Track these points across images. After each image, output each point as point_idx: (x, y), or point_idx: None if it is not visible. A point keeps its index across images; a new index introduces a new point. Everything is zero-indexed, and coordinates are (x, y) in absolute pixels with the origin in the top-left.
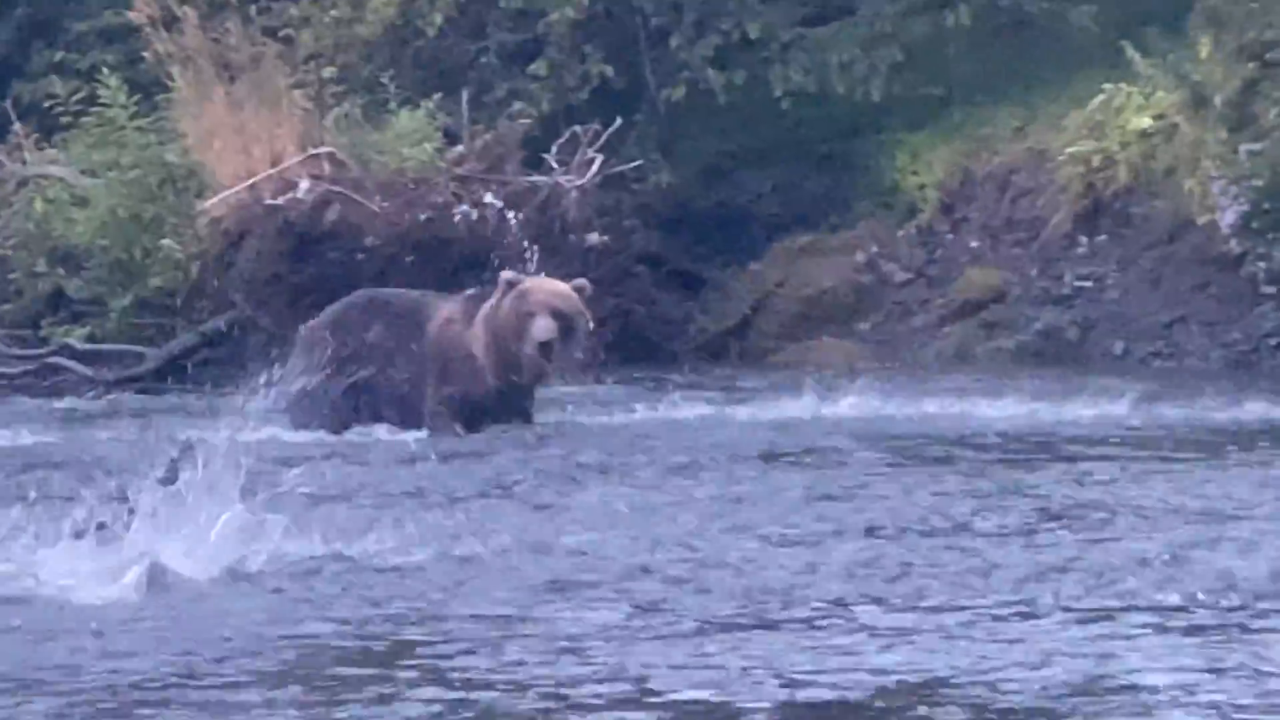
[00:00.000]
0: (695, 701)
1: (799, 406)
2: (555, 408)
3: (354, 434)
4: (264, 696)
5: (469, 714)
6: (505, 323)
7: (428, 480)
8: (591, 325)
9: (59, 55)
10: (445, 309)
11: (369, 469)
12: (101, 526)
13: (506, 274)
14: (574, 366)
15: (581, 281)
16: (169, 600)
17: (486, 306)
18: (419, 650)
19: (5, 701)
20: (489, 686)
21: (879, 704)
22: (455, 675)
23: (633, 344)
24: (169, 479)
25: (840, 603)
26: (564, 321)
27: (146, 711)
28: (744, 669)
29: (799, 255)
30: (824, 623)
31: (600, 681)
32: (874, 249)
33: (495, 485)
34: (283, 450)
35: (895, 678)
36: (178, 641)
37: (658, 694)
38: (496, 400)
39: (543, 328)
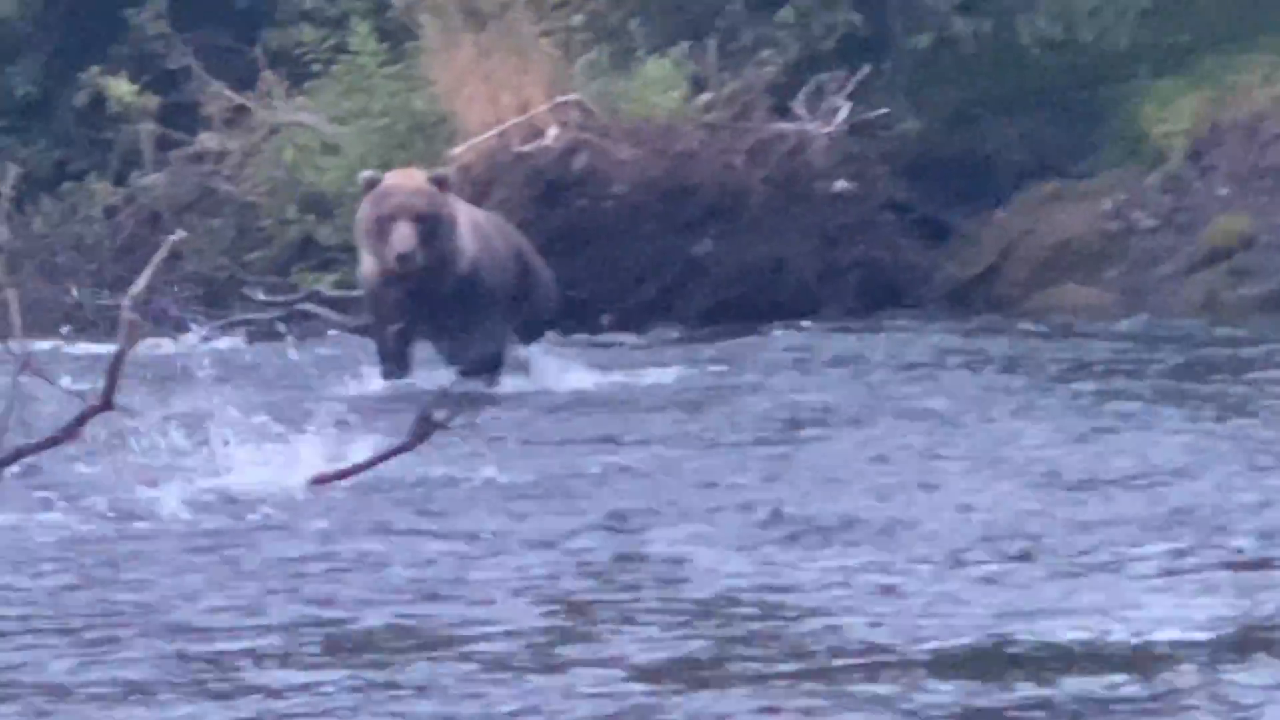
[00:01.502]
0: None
1: None
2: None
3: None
4: None
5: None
6: (368, 231)
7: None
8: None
9: (308, 3)
10: None
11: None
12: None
13: (365, 173)
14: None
15: (443, 171)
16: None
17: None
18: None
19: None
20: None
21: None
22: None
23: (878, 292)
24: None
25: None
26: (427, 224)
27: None
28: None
29: (1046, 203)
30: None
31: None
32: (1121, 197)
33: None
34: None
35: None
36: None
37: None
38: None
39: (401, 237)
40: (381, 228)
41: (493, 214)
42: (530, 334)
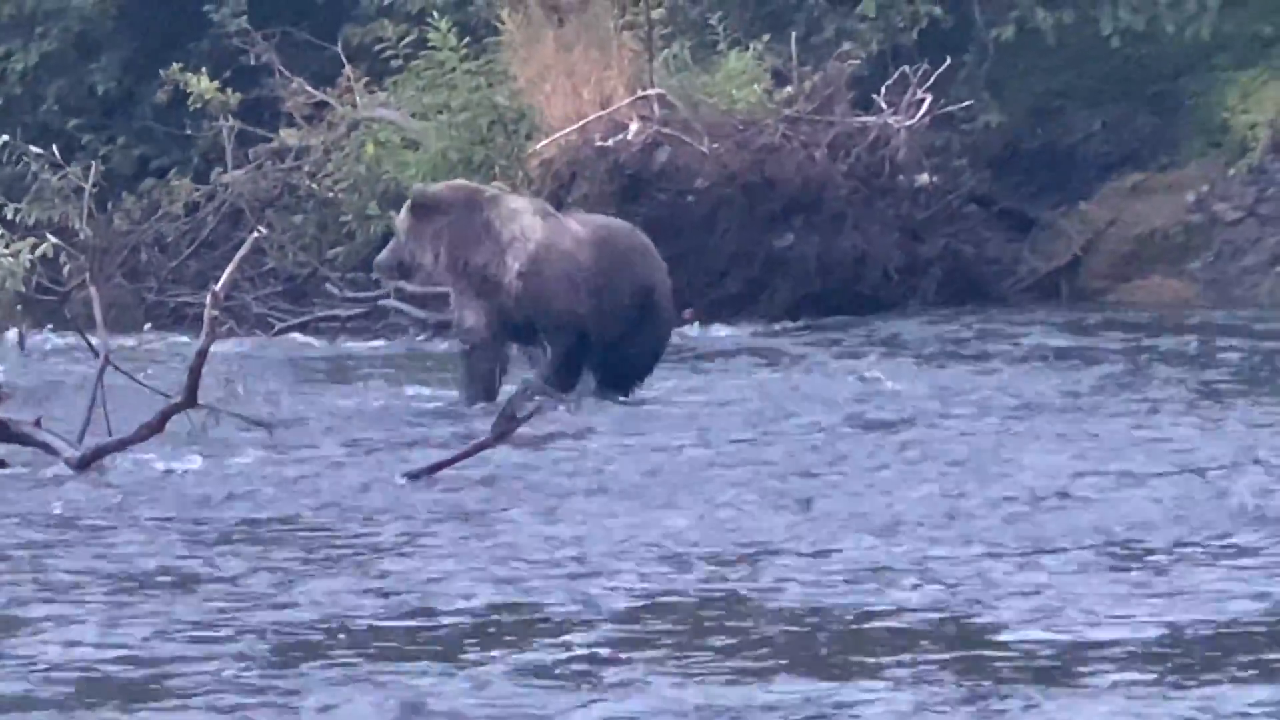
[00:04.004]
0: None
1: None
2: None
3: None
4: None
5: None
6: None
7: None
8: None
9: None
10: None
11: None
12: None
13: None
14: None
15: (432, 189)
16: None
17: None
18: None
19: None
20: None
21: None
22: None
23: (961, 285)
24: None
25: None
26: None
27: None
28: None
29: (1129, 194)
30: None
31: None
32: (1204, 188)
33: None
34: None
35: None
36: None
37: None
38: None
39: (387, 248)
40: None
41: (626, 233)
42: (621, 377)
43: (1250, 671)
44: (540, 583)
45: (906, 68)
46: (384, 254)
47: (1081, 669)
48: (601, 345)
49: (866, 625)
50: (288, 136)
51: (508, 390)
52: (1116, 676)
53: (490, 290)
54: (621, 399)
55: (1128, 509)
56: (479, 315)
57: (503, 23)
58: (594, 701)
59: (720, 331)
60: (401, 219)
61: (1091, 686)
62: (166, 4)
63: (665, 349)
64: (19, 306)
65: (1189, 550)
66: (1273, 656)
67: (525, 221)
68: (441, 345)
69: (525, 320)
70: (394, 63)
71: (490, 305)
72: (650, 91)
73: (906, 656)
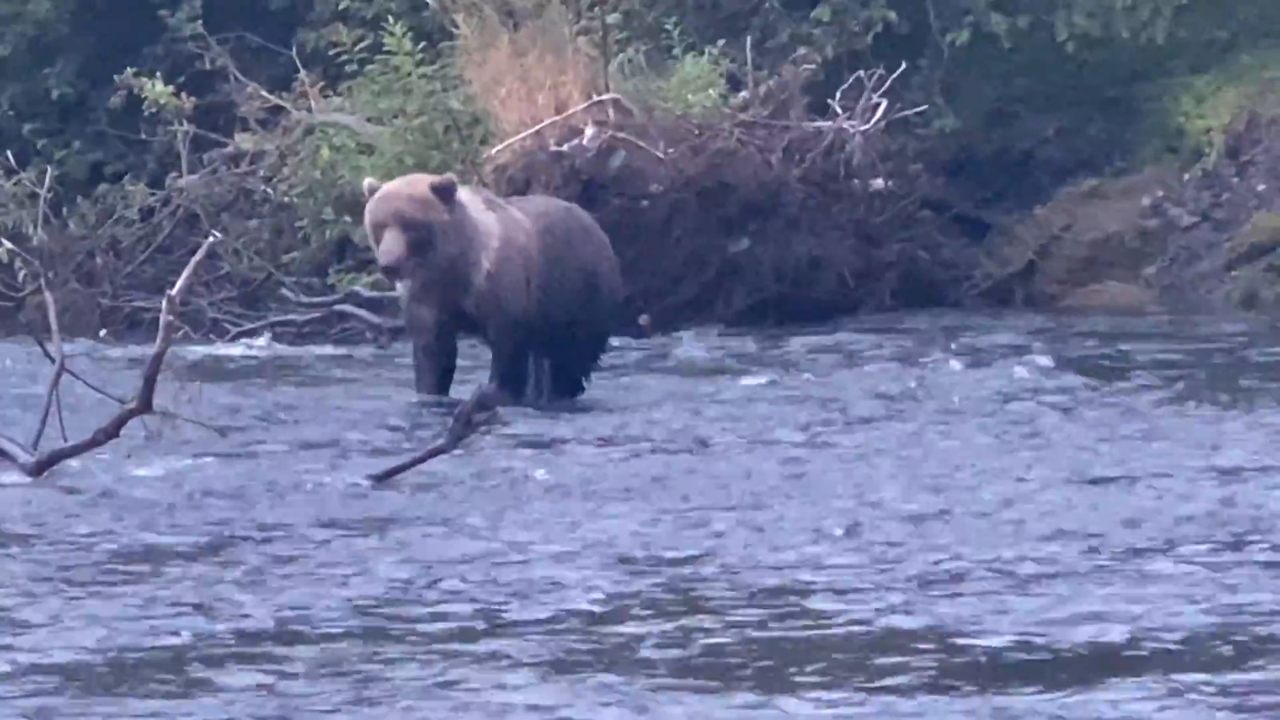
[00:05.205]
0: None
1: None
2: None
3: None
4: None
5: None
6: (370, 239)
7: None
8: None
9: (344, 3)
10: None
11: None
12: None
13: (368, 180)
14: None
15: (448, 177)
16: None
17: None
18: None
19: None
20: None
21: None
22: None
23: (916, 290)
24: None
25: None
26: (415, 232)
27: None
28: None
29: (1084, 200)
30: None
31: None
32: (1159, 193)
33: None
34: None
35: None
36: None
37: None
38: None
39: (386, 246)
40: (375, 236)
41: (572, 218)
42: (572, 366)
43: (1216, 673)
44: (496, 586)
45: (862, 73)
46: (396, 246)
47: (1052, 672)
48: (548, 335)
49: (822, 632)
50: (243, 141)
51: (463, 388)
52: (1085, 679)
53: (457, 289)
54: (571, 398)
55: (1086, 513)
56: (433, 312)
57: (458, 27)
58: (552, 706)
59: (677, 336)
60: (416, 208)
61: (1063, 689)
62: (121, 9)
63: (613, 329)
64: None
65: (1151, 553)
66: (1229, 655)
67: (485, 217)
68: (397, 348)
69: (480, 319)
70: (349, 67)
71: (446, 301)
72: (605, 96)
73: (865, 662)
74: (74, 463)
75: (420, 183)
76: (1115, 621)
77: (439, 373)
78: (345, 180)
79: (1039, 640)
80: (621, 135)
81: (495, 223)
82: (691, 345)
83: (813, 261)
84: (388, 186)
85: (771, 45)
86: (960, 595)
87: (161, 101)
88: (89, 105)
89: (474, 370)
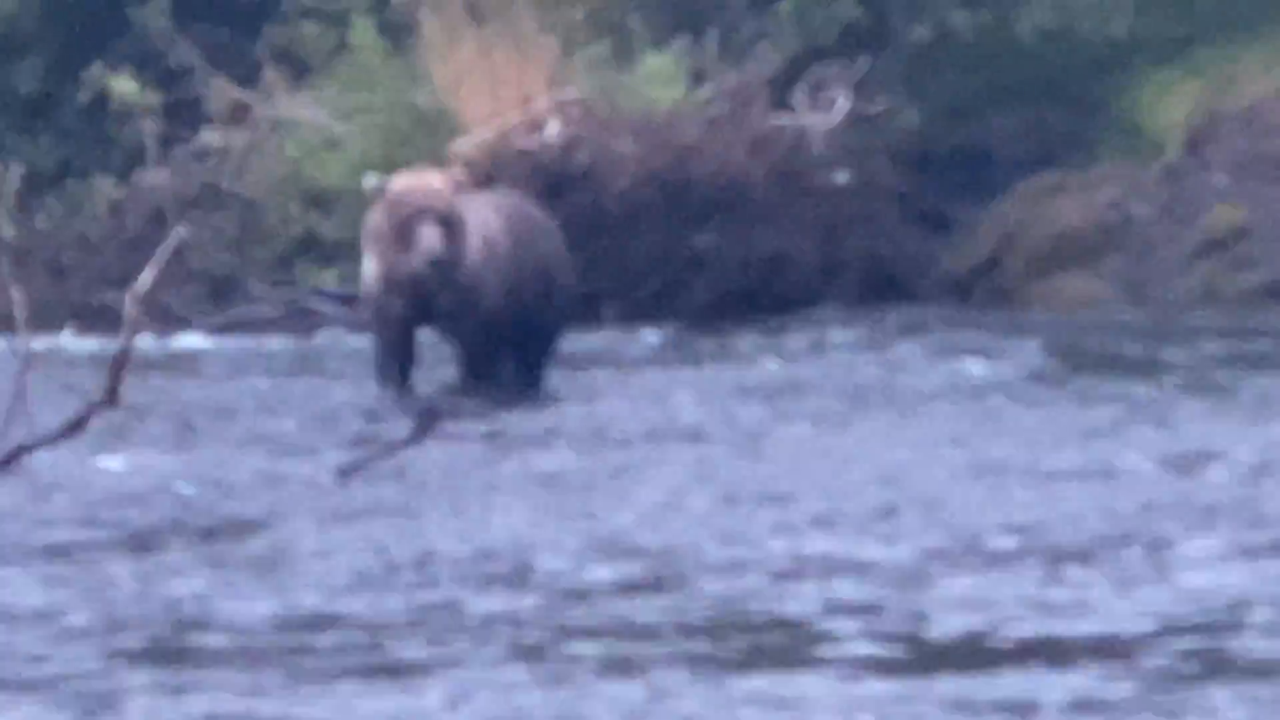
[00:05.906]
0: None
1: None
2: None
3: None
4: None
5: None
6: (382, 237)
7: None
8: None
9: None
10: None
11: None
12: None
13: (372, 179)
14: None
15: (459, 173)
16: None
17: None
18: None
19: None
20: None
21: None
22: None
23: (879, 284)
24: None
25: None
26: (448, 225)
27: None
28: None
29: (1045, 194)
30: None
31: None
32: (1120, 188)
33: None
34: None
35: None
36: None
37: None
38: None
39: (428, 240)
40: (402, 232)
41: (527, 210)
42: (531, 359)
43: (1182, 664)
44: (463, 580)
45: (824, 68)
46: (436, 239)
47: (1013, 663)
48: (511, 329)
49: (795, 621)
50: (210, 137)
51: (424, 381)
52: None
53: (437, 282)
54: (533, 390)
55: (1043, 504)
56: (405, 305)
57: (422, 24)
58: (523, 699)
59: (639, 331)
60: (445, 201)
61: (1027, 681)
62: (88, 4)
63: (570, 321)
64: None
65: (1110, 543)
66: (1195, 648)
67: (467, 212)
68: (363, 341)
69: (455, 313)
70: (315, 63)
71: (421, 295)
72: (569, 92)
73: (835, 652)
74: (41, 456)
75: (434, 176)
76: (1070, 608)
77: (402, 365)
78: (312, 176)
79: (996, 628)
80: (586, 131)
81: (473, 217)
82: (654, 338)
83: (776, 256)
84: (404, 182)
85: (735, 41)
86: (923, 585)
87: (129, 97)
88: (56, 101)
89: (437, 364)
